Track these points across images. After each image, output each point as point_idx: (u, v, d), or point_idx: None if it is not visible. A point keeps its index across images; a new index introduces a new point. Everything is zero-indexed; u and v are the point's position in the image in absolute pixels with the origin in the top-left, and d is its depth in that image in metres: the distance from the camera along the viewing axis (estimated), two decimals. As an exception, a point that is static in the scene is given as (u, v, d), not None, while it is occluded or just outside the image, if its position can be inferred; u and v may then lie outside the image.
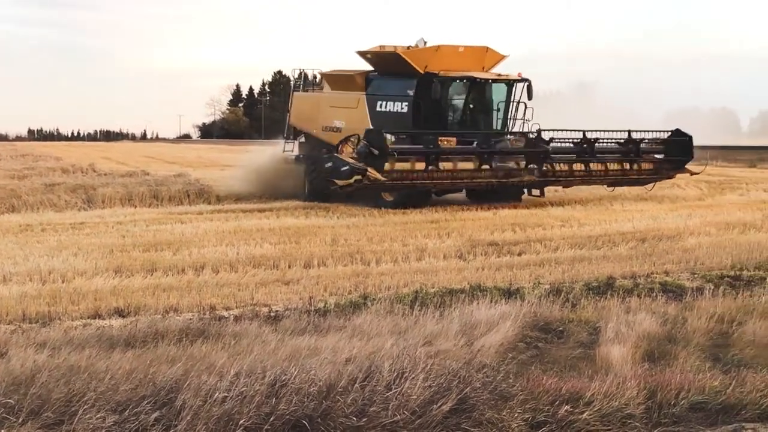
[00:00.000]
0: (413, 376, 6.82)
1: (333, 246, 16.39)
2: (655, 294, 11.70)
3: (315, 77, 30.28)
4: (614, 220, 20.64)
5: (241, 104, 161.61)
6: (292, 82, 30.77)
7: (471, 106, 26.18)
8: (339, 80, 28.09)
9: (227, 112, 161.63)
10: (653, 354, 8.58)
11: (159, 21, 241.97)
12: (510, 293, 11.74)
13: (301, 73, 29.84)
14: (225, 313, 10.81)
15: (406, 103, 25.30)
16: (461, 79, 25.55)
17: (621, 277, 13.31)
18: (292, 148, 29.38)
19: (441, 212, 22.49)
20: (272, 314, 10.62)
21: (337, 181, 22.28)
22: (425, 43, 26.37)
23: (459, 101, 26.14)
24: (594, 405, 6.82)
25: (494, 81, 25.80)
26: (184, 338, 8.77)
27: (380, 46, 26.79)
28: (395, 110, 25.60)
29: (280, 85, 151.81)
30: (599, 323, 9.68)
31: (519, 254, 15.75)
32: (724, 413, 7.01)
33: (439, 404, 6.54)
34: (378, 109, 26.01)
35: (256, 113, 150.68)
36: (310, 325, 9.47)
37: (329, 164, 23.04)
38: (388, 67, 26.28)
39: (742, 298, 11.11)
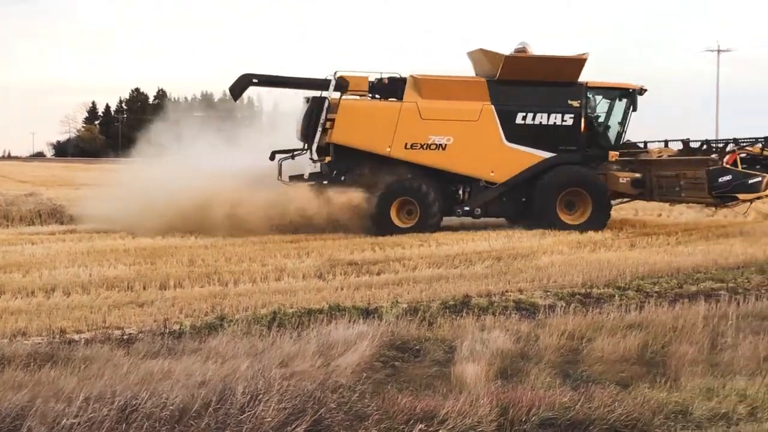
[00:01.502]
0: (267, 398, 6.77)
1: (190, 267, 16.14)
2: (509, 312, 11.95)
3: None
4: (471, 239, 20.95)
5: (97, 122, 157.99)
6: (331, 89, 23.18)
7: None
8: (445, 87, 23.52)
9: (82, 130, 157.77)
10: (506, 371, 8.75)
11: (9, 36, 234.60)
12: (368, 313, 11.78)
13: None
14: (76, 337, 10.50)
15: (571, 116, 23.46)
16: (641, 90, 24.49)
17: (477, 295, 13.51)
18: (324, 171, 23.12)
19: (301, 232, 22.39)
20: (125, 337, 10.38)
21: (742, 195, 21.81)
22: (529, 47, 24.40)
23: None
24: (448, 423, 6.90)
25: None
26: (32, 363, 8.50)
27: (482, 50, 24.15)
28: (552, 123, 23.41)
29: (137, 102, 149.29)
30: (455, 341, 9.82)
31: (378, 273, 15.83)
32: (572, 429, 7.18)
33: (293, 426, 6.51)
34: (519, 121, 23.37)
35: (113, 131, 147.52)
36: (164, 348, 9.30)
37: (726, 178, 21.71)
38: (531, 73, 23.41)
39: (592, 315, 11.44)
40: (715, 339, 10.13)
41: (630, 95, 24.23)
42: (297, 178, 23.24)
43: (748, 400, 7.84)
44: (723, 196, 22.28)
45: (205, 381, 7.48)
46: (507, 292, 13.97)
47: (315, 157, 23.12)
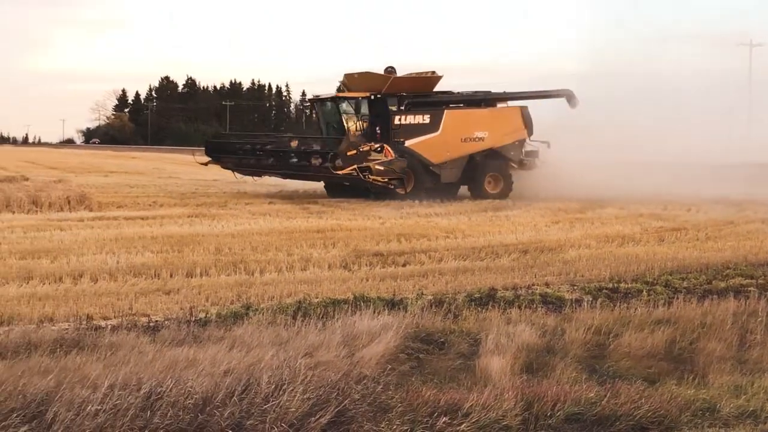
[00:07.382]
0: (292, 388, 6.74)
1: (216, 255, 16.15)
2: (535, 305, 11.88)
3: None
4: (498, 231, 20.89)
5: (126, 110, 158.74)
6: None
7: None
8: None
9: (112, 117, 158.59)
10: (532, 365, 8.69)
11: (43, 22, 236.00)
12: (393, 304, 11.74)
13: None
14: (102, 323, 10.53)
15: None
16: None
17: (503, 288, 13.45)
18: None
19: (327, 221, 22.43)
20: (151, 324, 10.40)
21: None
22: None
23: None
24: (472, 416, 6.85)
25: None
26: (59, 349, 8.50)
27: None
28: None
29: (167, 90, 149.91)
30: (480, 334, 9.75)
31: (404, 265, 15.79)
32: (598, 425, 7.12)
33: (317, 417, 6.49)
34: None
35: (142, 119, 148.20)
36: (190, 336, 9.29)
37: None
38: None
39: (619, 309, 11.34)
40: (744, 336, 10.04)
41: None
42: None
43: (777, 399, 7.76)
44: None
45: (229, 370, 7.45)
46: (533, 285, 13.90)
47: None
